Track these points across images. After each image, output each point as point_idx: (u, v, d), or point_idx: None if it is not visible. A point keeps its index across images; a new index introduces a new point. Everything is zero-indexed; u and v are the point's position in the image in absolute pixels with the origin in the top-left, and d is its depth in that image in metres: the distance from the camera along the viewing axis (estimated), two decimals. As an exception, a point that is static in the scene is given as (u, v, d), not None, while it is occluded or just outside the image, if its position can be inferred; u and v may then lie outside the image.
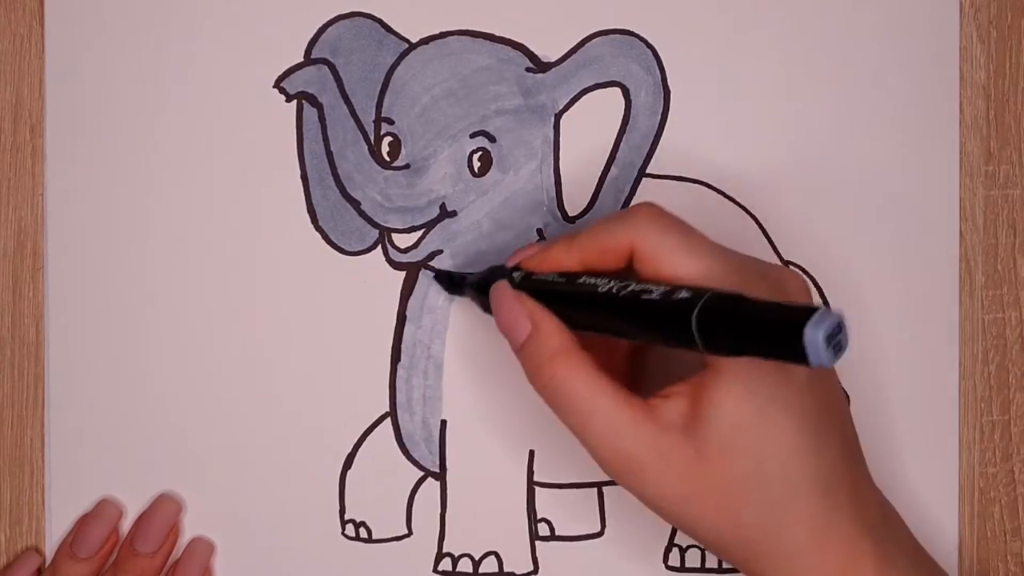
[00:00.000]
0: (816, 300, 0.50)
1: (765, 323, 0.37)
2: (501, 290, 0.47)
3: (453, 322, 0.54)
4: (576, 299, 0.45)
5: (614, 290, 0.43)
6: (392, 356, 0.54)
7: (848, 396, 0.53)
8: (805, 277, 0.46)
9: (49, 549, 0.54)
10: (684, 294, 0.40)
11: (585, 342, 0.45)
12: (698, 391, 0.42)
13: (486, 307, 0.48)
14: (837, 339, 0.36)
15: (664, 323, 0.41)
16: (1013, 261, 0.54)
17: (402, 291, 0.54)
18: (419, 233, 0.53)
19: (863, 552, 0.43)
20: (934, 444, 0.54)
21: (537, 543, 0.54)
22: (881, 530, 0.44)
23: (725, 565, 0.54)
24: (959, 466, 0.54)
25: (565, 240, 0.46)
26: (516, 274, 0.47)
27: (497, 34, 0.53)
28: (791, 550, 0.42)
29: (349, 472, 0.54)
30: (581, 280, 0.45)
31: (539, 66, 0.53)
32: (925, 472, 0.54)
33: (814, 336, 0.35)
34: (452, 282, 0.53)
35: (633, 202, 0.53)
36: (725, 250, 0.44)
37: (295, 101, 0.54)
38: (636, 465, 0.43)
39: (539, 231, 0.53)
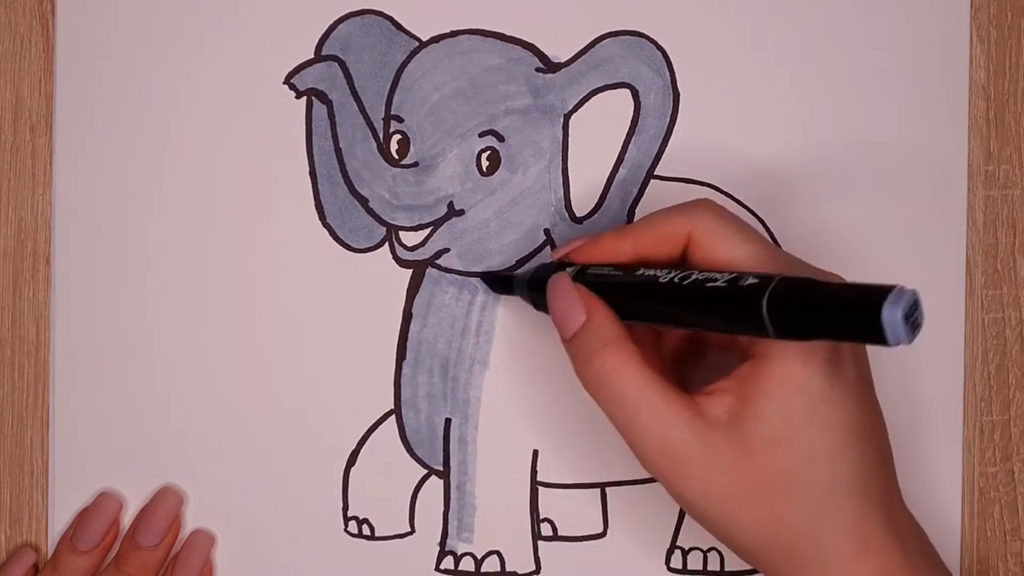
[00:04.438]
0: None
1: (840, 304, 0.37)
2: (560, 280, 0.46)
3: (458, 320, 0.54)
4: (635, 290, 0.44)
5: (676, 279, 0.43)
6: (397, 354, 0.54)
7: None
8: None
9: (51, 542, 0.54)
10: (752, 280, 0.40)
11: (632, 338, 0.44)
12: (745, 386, 0.42)
13: (536, 303, 0.48)
14: (914, 317, 0.35)
15: (730, 309, 0.40)
16: (1013, 261, 0.54)
17: (408, 289, 0.54)
18: (426, 231, 0.54)
19: (897, 565, 0.42)
20: (938, 444, 0.54)
21: (540, 543, 0.54)
22: (912, 544, 0.43)
23: (727, 567, 0.54)
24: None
25: (616, 231, 0.47)
26: (570, 268, 0.47)
27: (507, 34, 0.54)
28: (830, 556, 0.42)
29: (352, 469, 0.54)
30: (640, 272, 0.45)
31: (549, 66, 0.53)
32: (929, 473, 0.54)
33: (892, 315, 0.35)
34: (500, 282, 0.53)
35: (640, 205, 0.54)
36: (776, 245, 0.45)
37: (305, 98, 0.54)
38: (681, 460, 0.42)
39: (546, 231, 0.54)
